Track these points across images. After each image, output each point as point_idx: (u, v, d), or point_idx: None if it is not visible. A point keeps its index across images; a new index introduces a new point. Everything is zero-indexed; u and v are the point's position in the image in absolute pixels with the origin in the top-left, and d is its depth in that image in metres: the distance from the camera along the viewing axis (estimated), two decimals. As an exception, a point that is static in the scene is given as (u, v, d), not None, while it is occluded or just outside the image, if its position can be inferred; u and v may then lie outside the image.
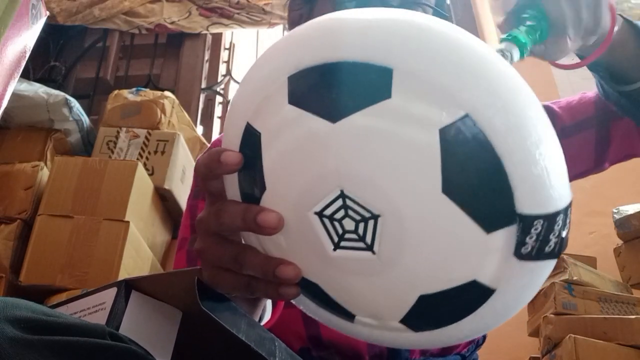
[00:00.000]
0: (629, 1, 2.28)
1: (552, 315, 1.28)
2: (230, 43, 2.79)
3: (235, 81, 2.66)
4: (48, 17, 0.93)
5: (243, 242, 0.39)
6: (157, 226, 1.84)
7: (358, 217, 0.32)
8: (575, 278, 1.35)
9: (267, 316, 0.50)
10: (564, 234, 0.31)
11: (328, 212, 0.32)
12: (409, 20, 0.31)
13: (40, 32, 0.89)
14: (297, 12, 0.74)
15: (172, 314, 0.42)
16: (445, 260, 0.31)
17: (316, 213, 0.33)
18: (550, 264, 0.32)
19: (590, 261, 1.51)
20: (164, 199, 1.86)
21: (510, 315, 0.34)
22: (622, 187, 1.71)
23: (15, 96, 1.74)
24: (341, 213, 0.32)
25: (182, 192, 1.91)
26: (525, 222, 0.29)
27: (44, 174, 1.72)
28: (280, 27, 2.69)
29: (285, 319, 0.60)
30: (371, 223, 0.31)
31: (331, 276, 0.35)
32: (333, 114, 0.30)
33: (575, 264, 1.39)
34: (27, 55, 0.87)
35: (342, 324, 0.39)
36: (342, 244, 0.33)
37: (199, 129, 2.36)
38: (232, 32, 2.78)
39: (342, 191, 0.31)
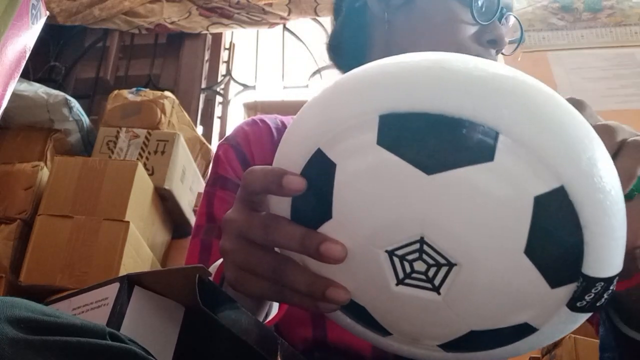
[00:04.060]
0: (630, 0, 2.28)
1: (552, 315, 1.28)
2: (230, 43, 2.79)
3: (235, 81, 2.66)
4: (48, 17, 0.93)
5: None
6: (157, 226, 1.84)
7: (432, 262, 0.32)
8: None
9: (274, 311, 0.50)
10: (614, 289, 0.33)
11: (400, 252, 0.32)
12: (520, 82, 0.31)
13: (40, 32, 0.89)
14: None
15: (174, 309, 0.42)
16: (508, 307, 0.33)
17: (387, 251, 0.33)
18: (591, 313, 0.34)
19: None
20: (164, 199, 1.86)
21: (537, 348, 0.37)
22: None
23: (15, 96, 1.74)
24: (415, 255, 0.32)
25: (182, 192, 1.91)
26: (589, 283, 0.32)
27: (44, 174, 1.72)
28: (280, 27, 2.69)
29: (292, 319, 0.60)
30: (444, 269, 0.32)
31: (383, 304, 0.35)
32: (429, 166, 0.30)
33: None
34: (27, 55, 0.87)
35: (371, 336, 0.39)
36: (407, 281, 0.33)
37: (199, 129, 2.36)
38: (232, 32, 2.78)
39: (422, 237, 0.31)
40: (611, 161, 0.32)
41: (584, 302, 0.32)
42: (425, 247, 0.32)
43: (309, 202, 0.34)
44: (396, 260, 0.33)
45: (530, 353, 1.44)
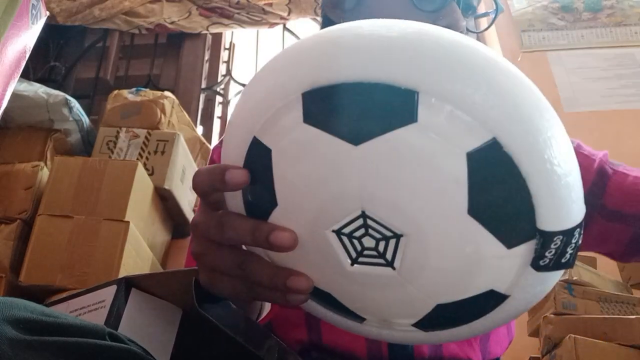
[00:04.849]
0: (630, 0, 2.28)
1: (552, 316, 1.28)
2: (230, 43, 2.79)
3: (236, 81, 2.65)
4: (48, 17, 0.93)
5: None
6: (157, 226, 1.83)
7: (379, 236, 0.32)
8: (575, 278, 1.34)
9: (265, 312, 0.50)
10: (579, 243, 0.32)
11: (347, 230, 0.32)
12: (433, 37, 0.30)
13: (40, 32, 0.89)
14: None
15: (172, 312, 0.42)
16: (466, 274, 0.32)
17: (334, 231, 0.32)
18: (562, 271, 0.33)
19: (590, 261, 1.51)
20: (164, 199, 1.86)
21: (517, 316, 0.35)
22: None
23: (15, 96, 1.73)
24: (361, 231, 0.32)
25: (182, 192, 1.91)
26: (546, 238, 0.30)
27: (44, 174, 1.72)
28: (280, 27, 2.69)
29: (287, 322, 0.60)
30: (392, 241, 0.32)
31: (345, 287, 0.35)
32: (355, 136, 0.29)
33: (575, 264, 1.39)
34: (27, 55, 0.87)
35: (350, 325, 0.39)
36: (360, 259, 0.33)
37: (199, 129, 2.36)
38: (232, 32, 2.78)
39: (363, 212, 0.31)
40: (546, 103, 0.30)
41: (547, 260, 0.31)
42: (369, 222, 0.31)
43: (256, 193, 0.34)
44: (345, 239, 0.32)
45: (530, 353, 1.44)
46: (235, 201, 0.36)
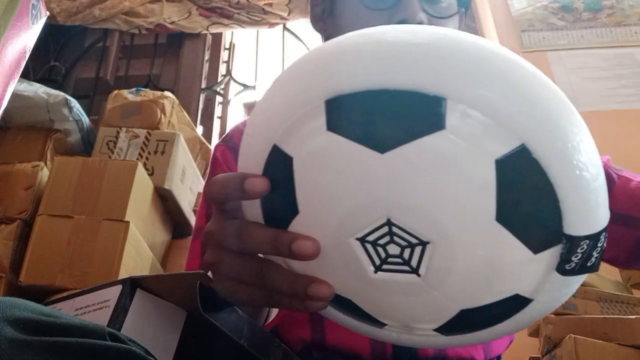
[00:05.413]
0: (630, 0, 2.28)
1: (552, 316, 1.28)
2: (230, 43, 2.79)
3: (236, 81, 2.66)
4: (48, 17, 0.93)
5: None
6: (157, 226, 1.83)
7: (404, 243, 0.31)
8: (575, 278, 1.34)
9: (273, 316, 0.50)
10: (604, 246, 0.32)
11: (371, 238, 0.32)
12: (458, 42, 0.29)
13: (40, 32, 0.89)
14: (319, 7, 0.73)
15: (176, 313, 0.42)
16: (492, 279, 0.32)
17: (358, 239, 0.32)
18: (586, 275, 0.33)
19: (590, 261, 1.51)
20: (164, 199, 1.86)
21: (541, 317, 0.35)
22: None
23: (15, 96, 1.73)
24: (386, 239, 0.32)
25: (182, 192, 1.91)
26: (573, 243, 0.30)
27: (44, 174, 1.72)
28: (280, 27, 2.69)
29: (290, 321, 0.60)
30: (418, 249, 0.31)
31: (367, 294, 0.35)
32: (381, 144, 0.29)
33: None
34: (27, 55, 0.87)
35: (368, 330, 0.38)
36: (384, 267, 0.32)
37: (199, 129, 2.36)
38: (232, 32, 2.78)
39: (388, 219, 0.31)
40: (572, 108, 0.30)
41: (573, 264, 0.31)
42: (394, 229, 0.31)
43: (276, 201, 0.33)
44: (369, 246, 0.32)
45: (530, 353, 1.44)
46: (252, 210, 0.35)
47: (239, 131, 0.74)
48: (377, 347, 0.58)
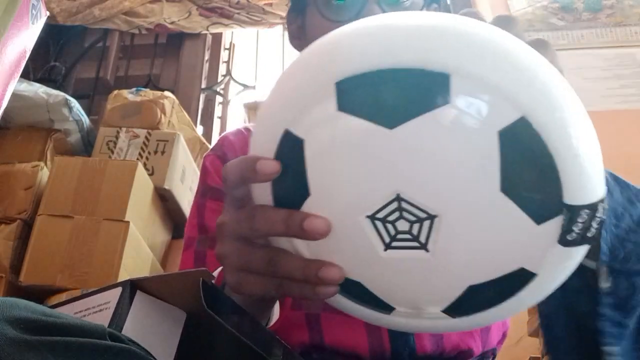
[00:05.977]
0: (630, 0, 2.28)
1: (552, 315, 1.28)
2: (230, 43, 2.79)
3: (235, 81, 2.66)
4: (48, 17, 0.93)
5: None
6: (157, 226, 1.84)
7: (413, 218, 0.32)
8: (575, 278, 1.34)
9: (275, 319, 0.50)
10: (603, 218, 0.33)
11: (381, 215, 0.33)
12: (457, 23, 0.32)
13: (40, 32, 0.89)
14: (294, 26, 0.75)
15: (176, 315, 0.42)
16: (497, 252, 0.33)
17: (368, 217, 0.33)
18: (587, 247, 0.34)
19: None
20: (164, 199, 1.86)
21: (545, 296, 0.36)
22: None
23: (15, 96, 1.73)
24: (395, 215, 0.32)
25: (182, 192, 1.91)
26: (573, 212, 0.31)
27: (44, 174, 1.72)
28: (280, 27, 2.69)
29: (288, 324, 0.60)
30: (427, 223, 0.32)
31: (377, 275, 0.35)
32: (390, 120, 0.30)
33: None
34: (27, 55, 0.87)
35: (377, 317, 0.39)
36: (394, 244, 0.33)
37: (199, 129, 2.36)
38: (232, 32, 2.78)
39: (398, 195, 0.32)
40: (567, 84, 0.32)
41: (574, 234, 0.32)
42: (404, 204, 0.32)
43: (287, 184, 0.35)
44: (379, 224, 0.33)
45: (530, 353, 1.44)
46: (263, 194, 0.36)
47: (228, 140, 0.74)
48: (375, 344, 0.58)
